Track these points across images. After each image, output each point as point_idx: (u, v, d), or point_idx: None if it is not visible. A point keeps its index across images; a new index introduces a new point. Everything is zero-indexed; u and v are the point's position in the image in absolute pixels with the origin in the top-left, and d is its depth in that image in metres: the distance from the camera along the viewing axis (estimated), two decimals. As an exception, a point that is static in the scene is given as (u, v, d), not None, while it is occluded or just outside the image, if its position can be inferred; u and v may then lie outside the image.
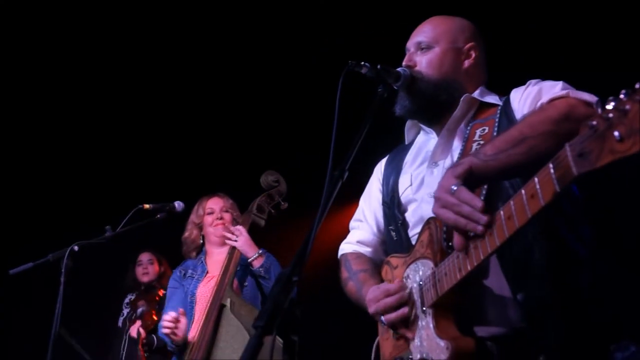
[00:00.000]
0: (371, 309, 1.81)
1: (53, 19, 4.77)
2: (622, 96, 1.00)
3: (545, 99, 1.67)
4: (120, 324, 4.76)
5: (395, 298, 1.74)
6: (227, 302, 3.13)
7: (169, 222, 3.44)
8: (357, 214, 2.25)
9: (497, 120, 1.82)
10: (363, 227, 2.19)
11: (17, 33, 4.83)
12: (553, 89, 1.71)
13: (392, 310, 1.75)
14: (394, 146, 2.25)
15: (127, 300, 4.88)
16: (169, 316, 3.11)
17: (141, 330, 4.28)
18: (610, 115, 1.01)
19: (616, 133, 1.00)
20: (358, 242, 2.17)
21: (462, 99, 1.91)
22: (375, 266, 2.05)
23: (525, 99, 1.79)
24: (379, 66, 1.87)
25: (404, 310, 1.73)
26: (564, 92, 1.64)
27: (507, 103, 1.85)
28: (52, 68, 5.25)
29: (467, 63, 2.00)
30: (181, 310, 3.21)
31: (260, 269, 3.31)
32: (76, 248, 2.72)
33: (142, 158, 5.96)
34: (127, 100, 5.63)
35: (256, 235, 3.46)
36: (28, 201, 5.79)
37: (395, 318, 1.74)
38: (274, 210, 3.59)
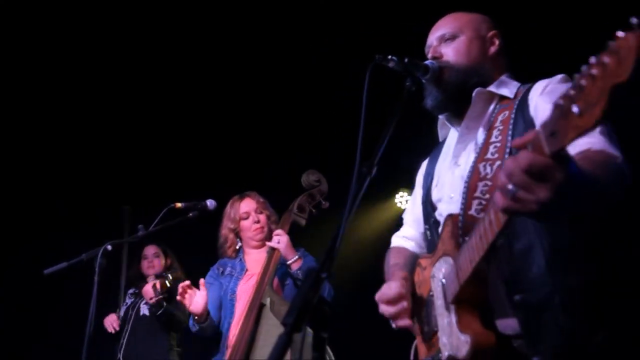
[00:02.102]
0: (380, 308, 1.90)
1: (65, 17, 4.82)
2: (581, 70, 1.03)
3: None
4: (122, 313, 4.76)
5: (396, 308, 1.83)
6: (267, 302, 3.14)
7: (200, 220, 3.46)
8: (407, 209, 2.33)
9: (515, 109, 1.80)
10: (409, 223, 2.28)
11: (20, 32, 4.88)
12: None
13: (397, 318, 1.84)
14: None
15: (130, 291, 4.89)
16: (184, 283, 3.19)
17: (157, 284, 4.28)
18: (571, 92, 1.05)
19: (575, 109, 1.03)
20: (404, 236, 2.28)
21: (474, 93, 1.90)
22: (413, 259, 2.07)
23: (542, 103, 1.72)
24: (406, 59, 1.85)
25: (406, 321, 1.82)
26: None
27: (526, 94, 1.82)
28: (86, 77, 5.34)
29: (492, 49, 2.00)
30: (201, 281, 3.27)
31: (298, 272, 3.31)
32: (109, 247, 2.74)
33: (172, 156, 6.03)
34: (159, 99, 5.68)
35: (296, 232, 3.46)
36: (59, 201, 5.90)
37: (403, 325, 1.84)
38: (315, 210, 3.58)
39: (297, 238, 3.42)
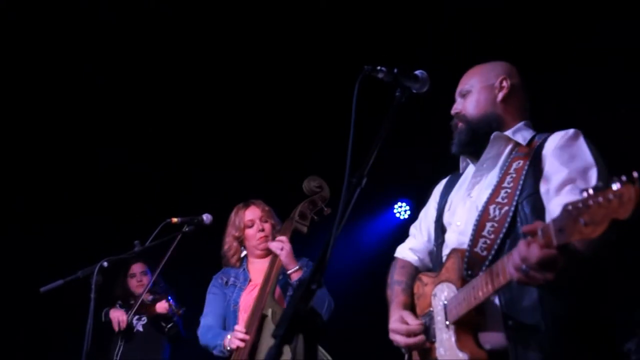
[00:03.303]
0: (392, 337, 2.09)
1: (64, 18, 4.83)
2: (589, 192, 1.33)
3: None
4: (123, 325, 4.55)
5: (417, 339, 2.02)
6: (269, 312, 3.09)
7: (197, 235, 3.45)
8: (416, 222, 2.47)
9: (529, 161, 1.97)
10: (417, 237, 2.41)
11: (18, 33, 4.90)
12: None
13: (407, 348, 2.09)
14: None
15: (108, 310, 4.69)
16: (240, 334, 3.07)
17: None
18: (580, 205, 1.34)
19: (581, 221, 1.34)
20: (410, 248, 2.40)
21: (492, 137, 2.11)
22: (414, 277, 2.27)
23: (553, 159, 1.91)
24: (395, 70, 1.88)
25: (424, 345, 2.01)
26: None
27: (540, 148, 1.99)
28: (85, 87, 5.36)
29: (501, 95, 2.17)
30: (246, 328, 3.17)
31: (297, 282, 3.28)
32: (105, 264, 2.73)
33: (171, 164, 6.02)
34: (153, 112, 5.69)
35: (297, 240, 3.41)
36: (55, 218, 5.83)
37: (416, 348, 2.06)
38: (316, 217, 3.49)
39: (298, 245, 3.36)
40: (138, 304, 4.37)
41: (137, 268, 4.86)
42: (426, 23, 4.62)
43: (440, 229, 2.22)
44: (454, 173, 2.37)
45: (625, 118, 4.87)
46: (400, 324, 2.05)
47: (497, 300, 1.82)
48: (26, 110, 5.49)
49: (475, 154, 2.19)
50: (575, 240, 1.40)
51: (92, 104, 5.54)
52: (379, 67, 1.84)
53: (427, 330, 2.00)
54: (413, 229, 2.47)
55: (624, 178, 1.26)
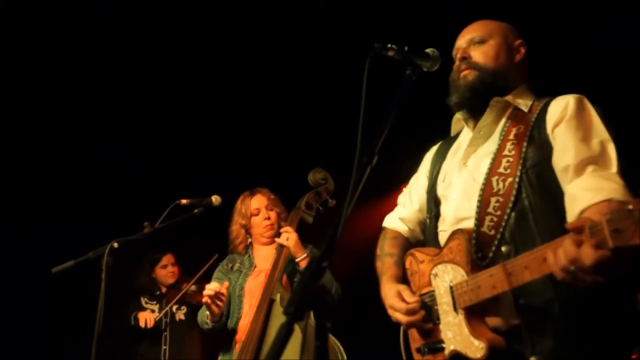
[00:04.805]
0: (391, 314, 2.00)
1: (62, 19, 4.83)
2: None
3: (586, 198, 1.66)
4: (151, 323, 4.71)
5: (417, 317, 1.91)
6: (277, 297, 3.16)
7: (205, 217, 3.45)
8: (406, 190, 2.36)
9: (531, 126, 1.88)
10: (407, 206, 2.31)
11: (25, 33, 4.90)
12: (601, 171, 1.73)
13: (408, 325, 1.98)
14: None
15: (147, 297, 4.93)
16: (212, 285, 3.17)
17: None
18: (636, 206, 1.22)
19: None
20: (400, 218, 2.30)
21: (490, 102, 1.98)
22: (406, 248, 2.18)
23: (567, 133, 1.81)
24: (406, 48, 1.85)
25: (425, 323, 1.92)
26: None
27: (543, 113, 1.89)
28: (85, 87, 5.38)
29: (518, 58, 2.08)
30: (226, 283, 3.26)
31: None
32: (116, 245, 2.74)
33: (177, 153, 6.03)
34: (153, 112, 5.71)
35: (303, 229, 3.48)
36: (55, 218, 5.86)
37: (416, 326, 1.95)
38: (321, 208, 3.59)
39: (303, 235, 3.43)
40: (181, 294, 4.69)
41: (168, 259, 4.99)
42: (427, 21, 4.61)
43: (433, 200, 2.12)
44: (446, 138, 2.27)
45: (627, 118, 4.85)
46: (399, 301, 1.96)
47: None
48: (26, 110, 5.50)
49: (473, 115, 2.07)
50: (636, 243, 1.25)
51: (92, 104, 5.55)
52: (389, 45, 1.80)
53: (430, 311, 1.92)
54: (402, 198, 2.37)
55: None
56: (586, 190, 1.67)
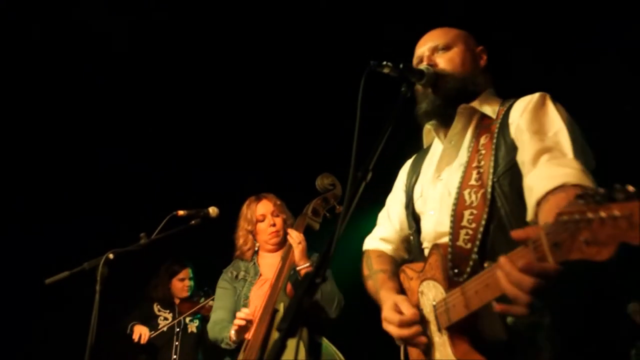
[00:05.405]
0: (385, 327, 1.86)
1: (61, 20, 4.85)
2: (587, 202, 1.11)
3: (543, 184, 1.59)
4: (166, 328, 4.79)
5: (411, 331, 1.78)
6: (281, 307, 3.09)
7: (202, 228, 3.45)
8: (384, 209, 2.30)
9: (496, 133, 1.84)
10: (387, 224, 2.25)
11: (25, 33, 4.92)
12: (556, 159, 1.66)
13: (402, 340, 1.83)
14: (417, 147, 2.27)
15: (162, 307, 5.00)
16: (243, 313, 3.10)
17: None
18: (578, 218, 1.12)
19: (582, 238, 1.12)
20: (381, 238, 2.24)
21: (458, 110, 1.95)
22: (395, 265, 2.11)
23: (523, 129, 1.77)
24: (401, 65, 1.87)
25: (420, 338, 1.77)
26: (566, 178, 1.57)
27: (506, 118, 1.86)
28: (85, 87, 5.39)
29: (482, 63, 2.07)
30: (254, 311, 3.18)
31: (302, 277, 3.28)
32: (111, 256, 2.72)
33: (182, 158, 6.03)
34: (153, 112, 5.71)
35: (308, 236, 3.41)
36: (55, 218, 5.86)
37: (411, 341, 1.81)
38: (328, 214, 3.52)
39: (309, 242, 3.35)
40: (198, 307, 4.77)
41: (186, 273, 5.06)
42: (428, 21, 4.63)
43: (412, 216, 2.07)
44: (419, 151, 2.23)
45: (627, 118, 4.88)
46: (393, 313, 1.83)
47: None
48: (26, 110, 5.53)
49: (444, 123, 2.02)
50: (575, 258, 1.16)
51: (92, 104, 5.57)
52: (384, 62, 1.82)
53: (425, 328, 1.81)
54: (381, 218, 2.30)
55: (630, 188, 1.07)
56: (540, 179, 1.62)
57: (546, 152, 1.68)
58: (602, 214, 1.08)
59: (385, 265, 2.11)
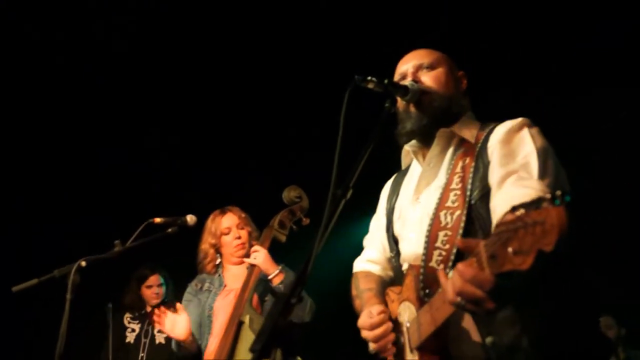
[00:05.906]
0: (362, 335, 1.88)
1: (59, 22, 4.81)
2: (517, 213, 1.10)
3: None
4: (132, 340, 4.66)
5: (382, 329, 1.81)
6: (246, 319, 3.09)
7: (179, 235, 3.40)
8: (369, 234, 2.30)
9: (475, 157, 1.83)
10: (372, 246, 2.25)
11: (25, 33, 4.87)
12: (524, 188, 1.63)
13: (375, 342, 1.84)
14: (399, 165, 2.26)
15: (130, 316, 4.82)
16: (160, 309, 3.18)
17: None
18: (510, 227, 1.11)
19: (510, 249, 1.11)
20: (368, 260, 2.24)
21: (437, 133, 1.94)
22: (383, 284, 2.10)
23: (496, 153, 1.77)
24: (386, 80, 1.86)
25: (390, 337, 1.81)
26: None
27: (485, 142, 1.84)
28: (85, 87, 5.34)
29: (463, 87, 2.07)
30: (178, 305, 3.25)
31: (280, 286, 3.26)
32: (83, 264, 2.65)
33: (151, 170, 5.99)
34: (153, 112, 5.66)
35: (276, 248, 3.43)
36: (33, 215, 5.81)
37: (379, 350, 1.83)
38: (295, 226, 3.53)
39: (277, 254, 3.38)
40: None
41: (154, 280, 4.81)
42: (419, 30, 4.65)
43: (392, 239, 2.08)
44: (399, 172, 2.22)
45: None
46: (366, 318, 1.87)
47: (468, 315, 1.67)
48: (26, 110, 5.45)
49: (425, 144, 2.01)
50: (508, 270, 1.15)
51: (92, 104, 5.50)
52: (369, 78, 1.81)
53: (402, 350, 1.82)
54: (366, 241, 2.32)
55: (558, 193, 1.05)
56: (502, 201, 1.62)
57: (512, 174, 1.68)
58: (527, 219, 1.08)
59: (372, 284, 2.11)
